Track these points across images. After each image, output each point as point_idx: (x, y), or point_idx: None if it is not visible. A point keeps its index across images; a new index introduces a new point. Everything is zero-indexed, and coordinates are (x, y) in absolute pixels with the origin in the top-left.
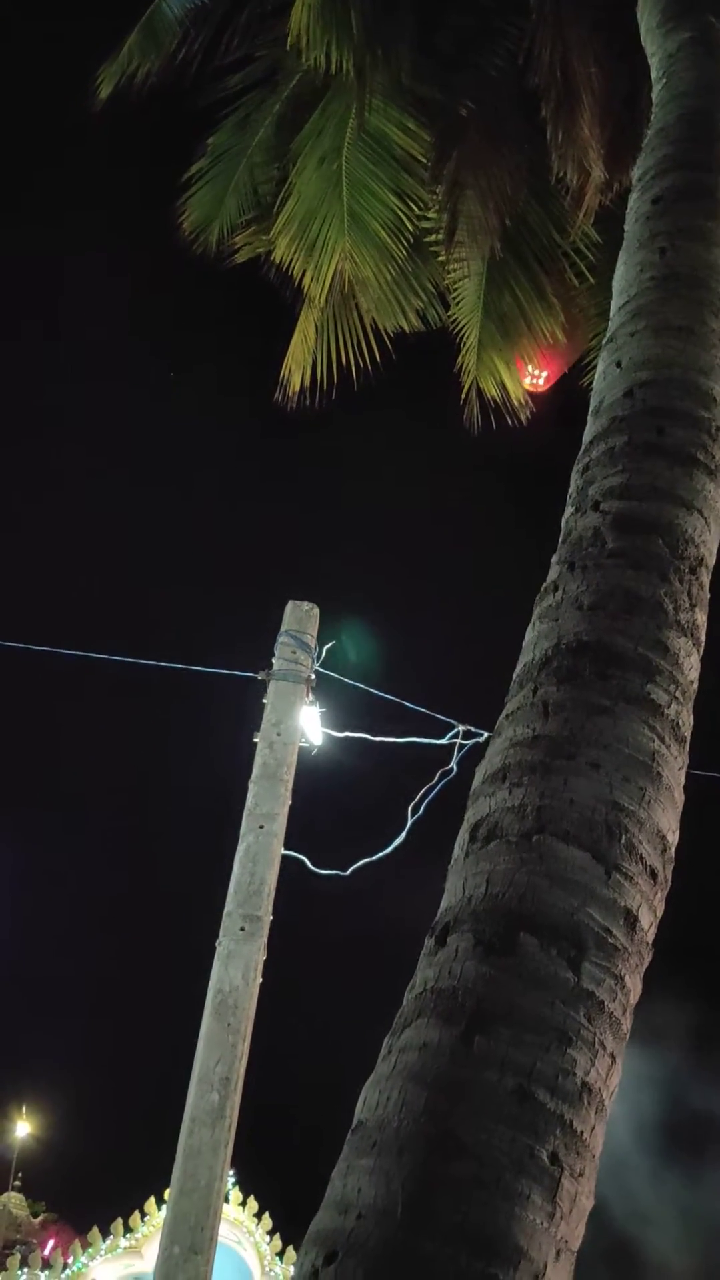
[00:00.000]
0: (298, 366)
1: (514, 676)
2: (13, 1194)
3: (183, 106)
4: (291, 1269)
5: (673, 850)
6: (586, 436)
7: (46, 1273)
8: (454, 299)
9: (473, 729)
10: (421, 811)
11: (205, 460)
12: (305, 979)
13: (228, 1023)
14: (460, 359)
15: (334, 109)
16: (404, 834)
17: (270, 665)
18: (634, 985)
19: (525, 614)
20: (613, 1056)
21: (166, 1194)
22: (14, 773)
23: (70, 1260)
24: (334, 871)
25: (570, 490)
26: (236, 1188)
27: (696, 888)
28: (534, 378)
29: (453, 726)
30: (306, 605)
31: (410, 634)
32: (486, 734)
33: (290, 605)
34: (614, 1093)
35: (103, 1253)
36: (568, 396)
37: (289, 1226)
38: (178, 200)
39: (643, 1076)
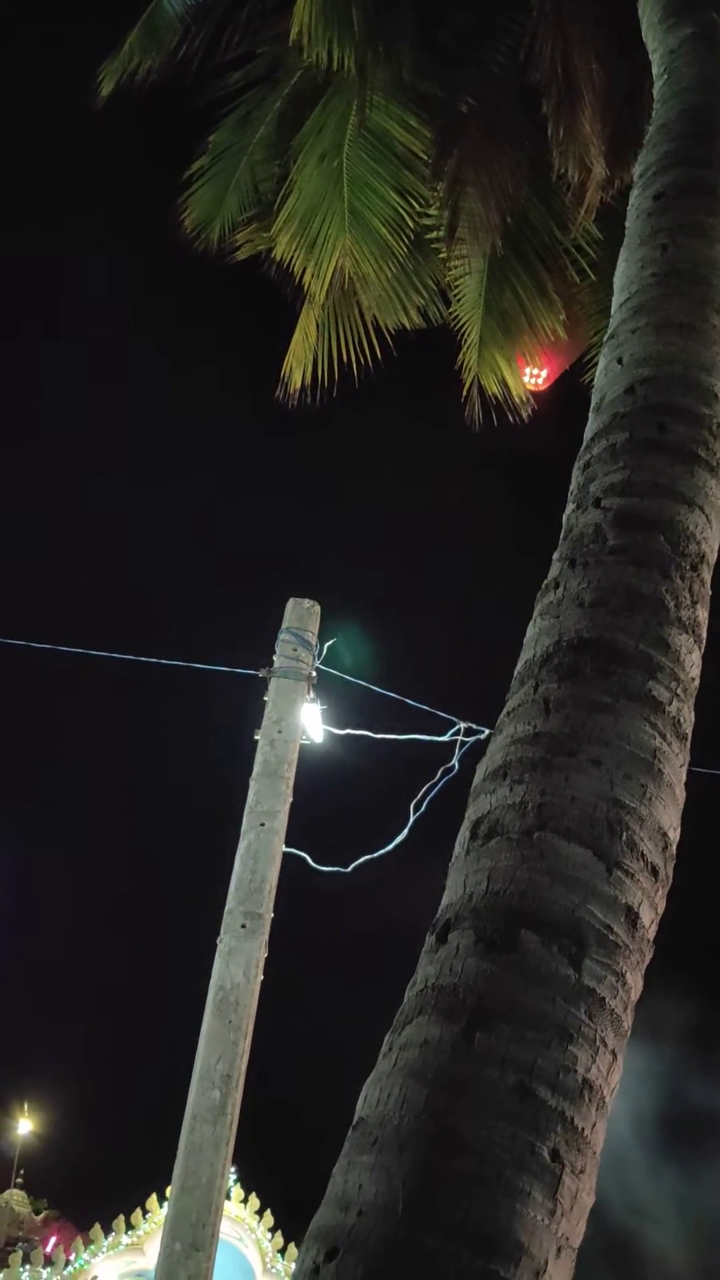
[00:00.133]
0: (298, 364)
1: (515, 673)
2: (15, 1191)
3: (183, 104)
4: (293, 1266)
5: (674, 847)
6: (588, 433)
7: (48, 1270)
8: (455, 296)
9: (474, 726)
10: (423, 809)
11: (206, 458)
12: (306, 976)
13: (229, 1020)
14: (461, 356)
15: (335, 106)
16: (405, 831)
17: (271, 663)
18: (635, 982)
19: (526, 611)
20: (614, 1053)
21: (168, 1191)
22: (15, 771)
23: (72, 1257)
24: (335, 868)
25: (571, 487)
26: (238, 1185)
27: (697, 885)
28: (533, 376)
29: (454, 723)
30: (307, 603)
31: (411, 631)
32: (488, 731)
33: (291, 603)
34: (615, 1089)
35: (105, 1250)
36: (569, 393)
37: (290, 1223)
38: (178, 198)
39: (644, 1073)
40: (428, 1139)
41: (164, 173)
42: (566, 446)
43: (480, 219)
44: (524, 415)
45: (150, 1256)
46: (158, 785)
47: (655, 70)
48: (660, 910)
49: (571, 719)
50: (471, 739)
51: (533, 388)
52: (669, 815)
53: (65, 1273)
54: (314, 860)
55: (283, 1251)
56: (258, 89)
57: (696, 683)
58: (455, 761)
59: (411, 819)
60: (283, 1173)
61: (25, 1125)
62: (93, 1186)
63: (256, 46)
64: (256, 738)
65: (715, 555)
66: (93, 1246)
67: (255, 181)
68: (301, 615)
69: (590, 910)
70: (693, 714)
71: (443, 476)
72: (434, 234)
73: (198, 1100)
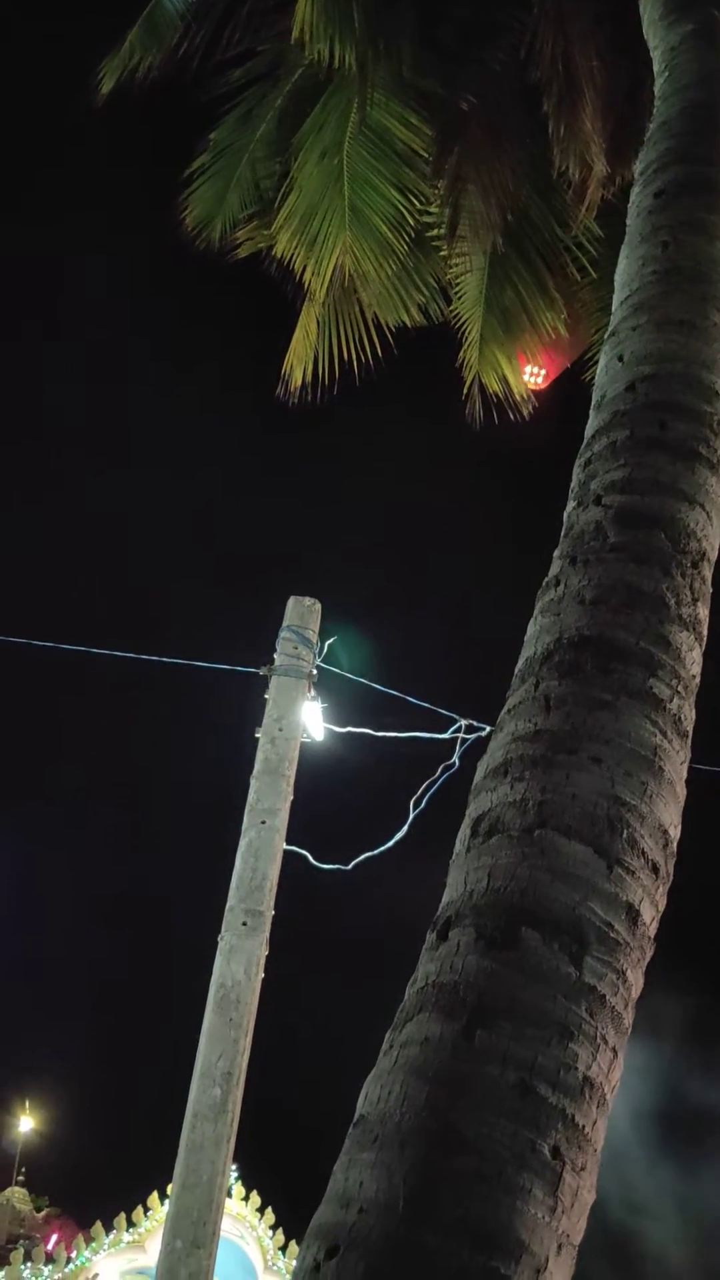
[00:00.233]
0: (299, 362)
1: (516, 671)
2: (16, 1189)
3: (184, 102)
4: (294, 1263)
5: (675, 845)
6: (588, 431)
7: (50, 1267)
8: (456, 294)
9: (475, 723)
10: (423, 805)
11: (207, 456)
12: (307, 974)
13: (230, 1018)
14: (462, 354)
15: (335, 103)
16: (405, 828)
17: (272, 660)
18: (636, 980)
19: (527, 609)
20: (614, 1051)
21: (169, 1189)
22: (16, 769)
23: (73, 1255)
24: (336, 866)
25: (572, 484)
26: (239, 1182)
27: (698, 882)
28: (533, 375)
29: (455, 721)
30: (308, 600)
31: (412, 629)
32: (488, 728)
33: (292, 600)
34: (615, 1087)
35: (106, 1247)
36: (569, 391)
37: (292, 1221)
38: (179, 196)
39: (645, 1070)
40: (428, 1136)
41: (165, 171)
42: (567, 444)
43: (481, 216)
44: (525, 413)
45: (151, 1254)
46: (159, 783)
47: (656, 67)
48: (661, 908)
49: (572, 716)
50: (472, 736)
51: (533, 387)
52: (670, 812)
53: (66, 1270)
54: (315, 858)
55: (284, 1249)
56: (259, 86)
57: (697, 680)
58: (456, 759)
59: (411, 816)
60: (284, 1170)
61: (27, 1123)
62: (94, 1184)
63: (257, 44)
64: (257, 735)
65: (716, 553)
66: (94, 1244)
67: (256, 179)
68: (302, 613)
69: (591, 908)
70: (693, 711)
71: (443, 474)
72: (435, 231)
73: (199, 1098)
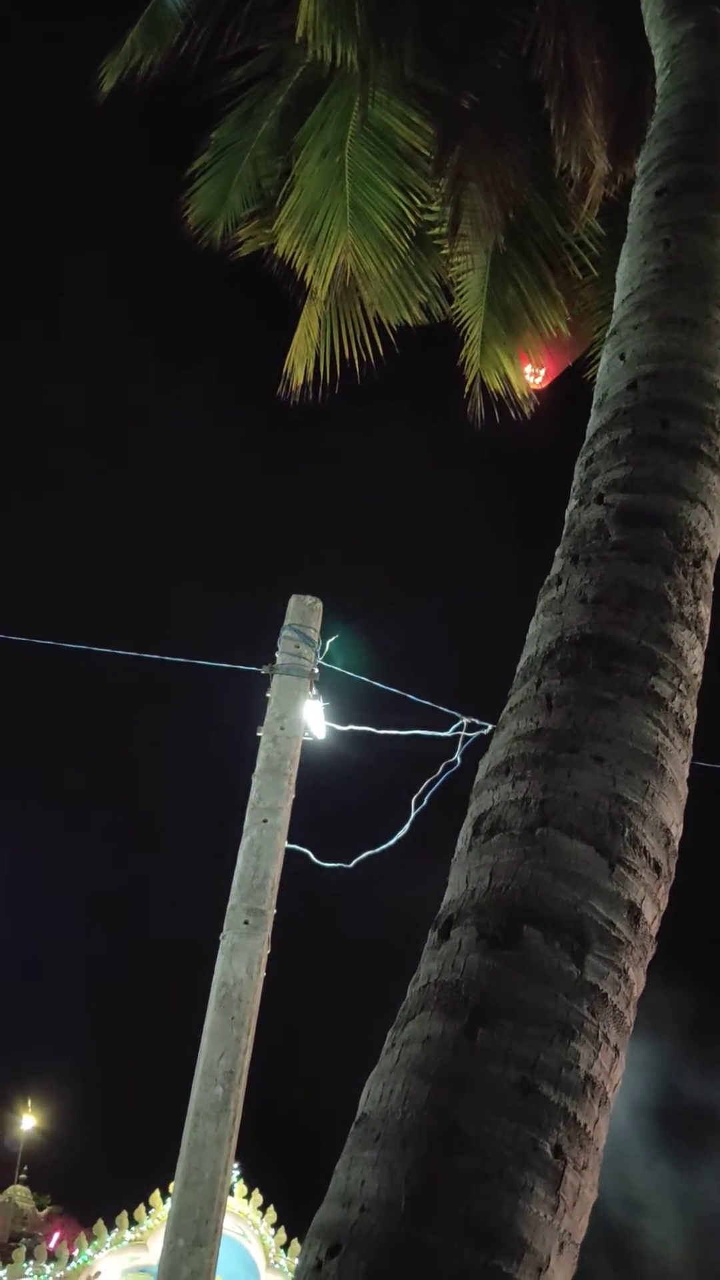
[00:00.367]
0: (300, 360)
1: (517, 669)
2: (18, 1187)
3: (185, 101)
4: (296, 1261)
5: (676, 843)
6: (590, 429)
7: (52, 1265)
8: (457, 292)
9: (476, 721)
10: (425, 804)
11: (208, 455)
12: (309, 972)
13: (231, 1016)
14: (464, 352)
15: (336, 102)
16: (407, 826)
17: (273, 659)
18: (637, 978)
19: (528, 607)
20: (616, 1049)
21: (171, 1187)
22: (16, 769)
23: (75, 1253)
24: (338, 864)
25: (574, 483)
26: (241, 1180)
27: (700, 881)
28: (533, 375)
29: (456, 719)
30: (309, 599)
31: (413, 627)
32: (490, 726)
33: (293, 599)
34: (617, 1085)
35: (108, 1245)
36: (571, 389)
37: (294, 1219)
38: (181, 195)
39: (647, 1068)
40: (430, 1135)
41: (166, 170)
42: (569, 443)
43: (483, 215)
44: (526, 412)
45: (154, 1252)
46: (160, 782)
47: (658, 65)
48: (663, 906)
49: (574, 715)
50: (474, 734)
51: (534, 386)
52: (671, 811)
53: (69, 1268)
54: (317, 856)
55: (286, 1247)
56: (260, 85)
57: (699, 678)
58: (458, 757)
59: (413, 814)
60: (286, 1169)
61: (29, 1121)
62: (96, 1182)
63: (259, 42)
64: (259, 734)
65: (718, 551)
66: (96, 1242)
67: (258, 177)
68: (304, 612)
69: (592, 906)
70: (695, 710)
71: (444, 473)
72: (436, 230)
73: (201, 1096)
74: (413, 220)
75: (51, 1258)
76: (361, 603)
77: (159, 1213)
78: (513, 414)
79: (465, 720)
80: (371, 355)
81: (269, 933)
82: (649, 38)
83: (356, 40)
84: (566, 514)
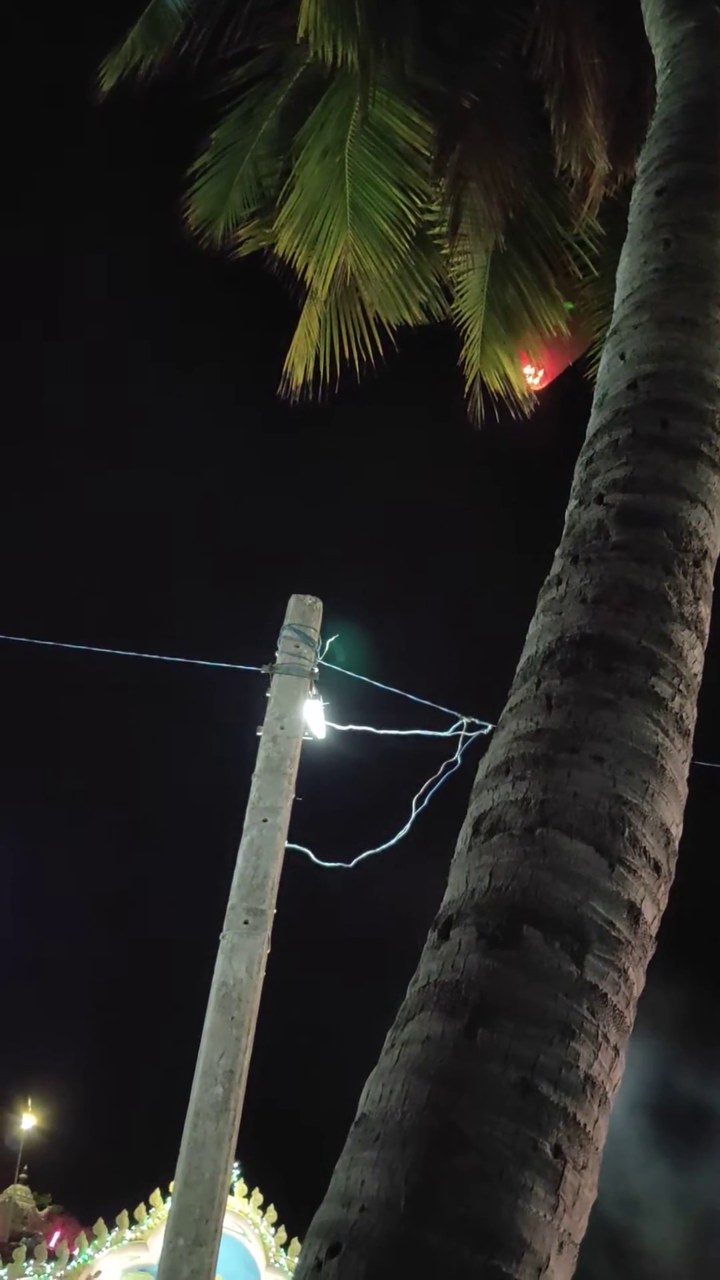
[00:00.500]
0: (300, 360)
1: (517, 669)
2: (18, 1186)
3: (186, 101)
4: (296, 1261)
5: (676, 843)
6: (590, 429)
7: (52, 1265)
8: (457, 292)
9: (476, 721)
10: (425, 804)
11: (208, 455)
12: (309, 972)
13: (231, 1016)
14: (464, 352)
15: (337, 101)
16: (408, 826)
17: (273, 659)
18: (637, 978)
19: (528, 607)
20: (616, 1049)
21: (171, 1186)
22: (17, 769)
23: (76, 1252)
24: (338, 864)
25: (574, 483)
26: (241, 1180)
27: (700, 880)
28: (532, 375)
29: (456, 719)
30: (310, 599)
31: (413, 627)
32: (490, 726)
33: (293, 599)
34: (617, 1085)
35: (108, 1245)
36: (571, 389)
37: (294, 1219)
38: (181, 195)
39: (646, 1068)
40: (430, 1135)
41: (166, 170)
42: (569, 443)
43: (483, 214)
44: (526, 412)
45: (154, 1251)
46: (160, 782)
47: (658, 65)
48: (663, 906)
49: (574, 715)
50: (474, 734)
51: (534, 386)
52: (671, 811)
53: (69, 1267)
54: (317, 856)
55: (286, 1246)
56: (260, 85)
57: (699, 678)
58: (458, 756)
59: (414, 814)
60: (286, 1168)
61: (29, 1120)
62: (96, 1182)
63: (259, 42)
64: (259, 734)
65: (718, 551)
66: (96, 1241)
67: (258, 177)
68: (304, 611)
69: (592, 906)
70: (695, 710)
71: (444, 473)
72: (436, 230)
73: (200, 1096)
74: (413, 220)
75: (52, 1257)
76: (361, 602)
77: (159, 1212)
78: (513, 414)
79: (465, 720)
80: (371, 355)
81: (269, 932)
82: (649, 37)
83: (357, 40)
84: (566, 514)
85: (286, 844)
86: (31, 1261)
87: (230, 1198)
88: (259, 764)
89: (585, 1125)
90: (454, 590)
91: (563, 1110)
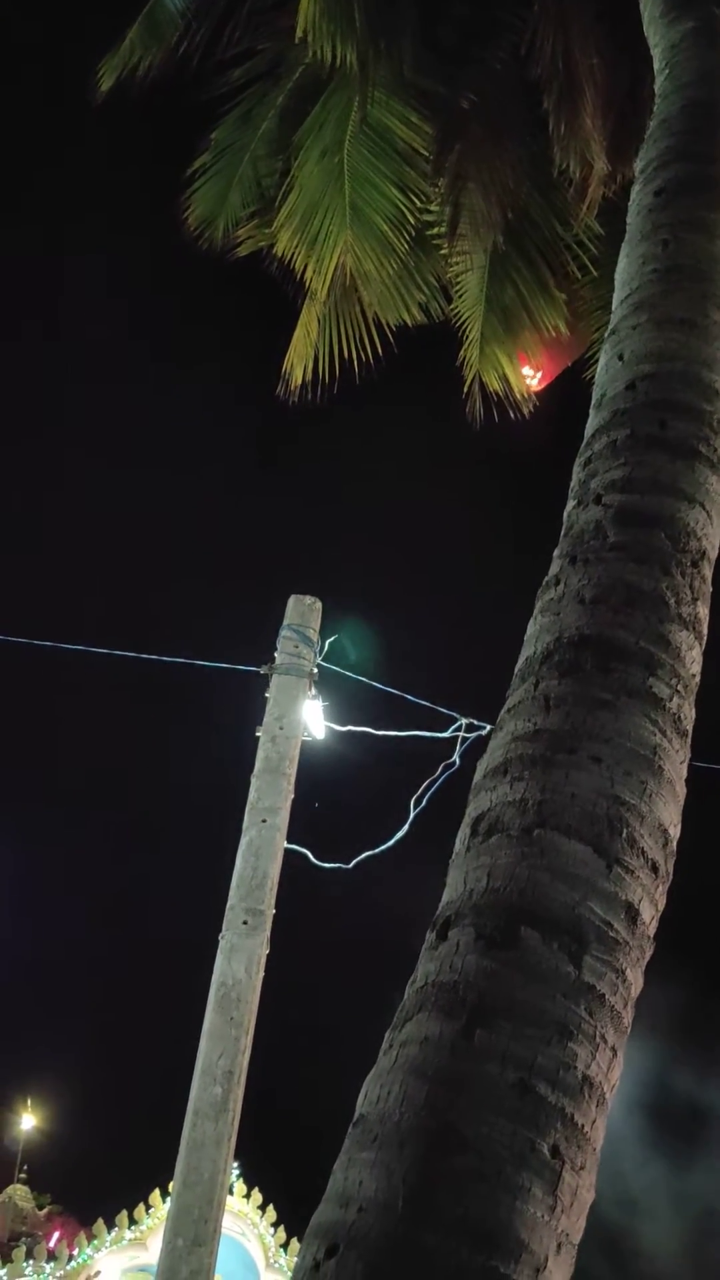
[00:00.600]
0: (299, 360)
1: (516, 670)
2: (18, 1186)
3: (185, 101)
4: (295, 1261)
5: (674, 844)
6: (588, 429)
7: (52, 1264)
8: (456, 292)
9: (475, 722)
10: (424, 804)
11: (207, 455)
12: (308, 973)
13: (230, 1016)
14: (463, 352)
15: (336, 102)
16: (406, 827)
17: (273, 659)
18: (635, 979)
19: (527, 608)
20: (614, 1050)
21: (171, 1186)
22: (16, 769)
23: (75, 1252)
24: (337, 864)
25: (572, 483)
26: (240, 1180)
27: (698, 881)
28: (532, 375)
29: (455, 720)
30: (309, 599)
31: (412, 627)
32: (489, 727)
33: (292, 599)
34: (615, 1086)
35: (108, 1245)
36: (570, 390)
37: (293, 1219)
38: (181, 196)
39: (645, 1068)
40: (428, 1136)
41: (166, 170)
42: (567, 443)
43: (481, 215)
44: (525, 412)
45: (153, 1251)
46: (159, 783)
47: (656, 65)
48: (660, 907)
49: (572, 716)
50: (473, 735)
51: (531, 387)
52: (669, 812)
53: (68, 1267)
54: (315, 857)
55: (285, 1246)
56: (259, 85)
57: (697, 679)
58: (456, 757)
59: (412, 815)
60: (285, 1168)
61: (28, 1120)
62: (96, 1182)
63: (258, 42)
64: (258, 734)
65: (716, 552)
66: (95, 1241)
67: (258, 177)
68: (303, 612)
69: (590, 907)
70: (693, 710)
71: (443, 473)
72: (435, 230)
73: (200, 1096)
74: (412, 220)
75: (51, 1257)
76: (360, 603)
77: (158, 1212)
78: (511, 414)
79: (464, 721)
80: (370, 355)
81: (268, 933)
82: (647, 37)
83: (356, 40)
84: (565, 515)
85: (285, 844)
86: (31, 1261)
87: (229, 1198)
88: (258, 764)
89: (583, 1126)
90: (453, 590)
91: (560, 1111)
